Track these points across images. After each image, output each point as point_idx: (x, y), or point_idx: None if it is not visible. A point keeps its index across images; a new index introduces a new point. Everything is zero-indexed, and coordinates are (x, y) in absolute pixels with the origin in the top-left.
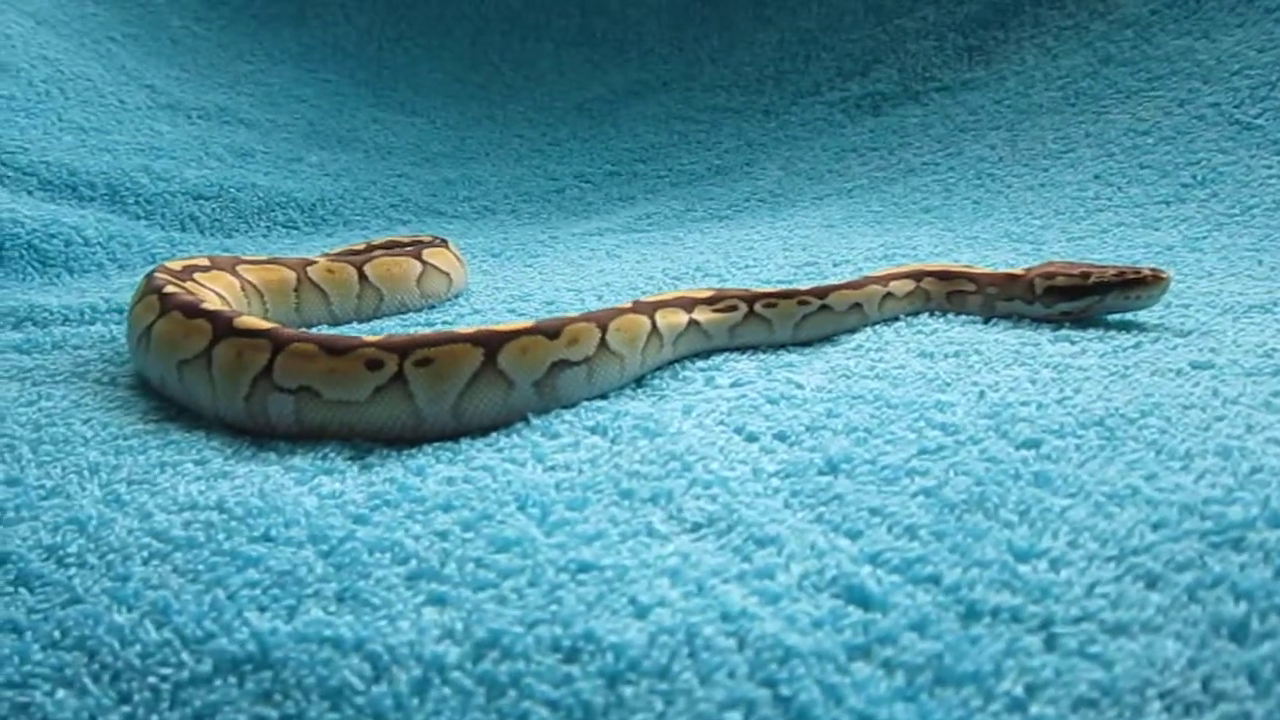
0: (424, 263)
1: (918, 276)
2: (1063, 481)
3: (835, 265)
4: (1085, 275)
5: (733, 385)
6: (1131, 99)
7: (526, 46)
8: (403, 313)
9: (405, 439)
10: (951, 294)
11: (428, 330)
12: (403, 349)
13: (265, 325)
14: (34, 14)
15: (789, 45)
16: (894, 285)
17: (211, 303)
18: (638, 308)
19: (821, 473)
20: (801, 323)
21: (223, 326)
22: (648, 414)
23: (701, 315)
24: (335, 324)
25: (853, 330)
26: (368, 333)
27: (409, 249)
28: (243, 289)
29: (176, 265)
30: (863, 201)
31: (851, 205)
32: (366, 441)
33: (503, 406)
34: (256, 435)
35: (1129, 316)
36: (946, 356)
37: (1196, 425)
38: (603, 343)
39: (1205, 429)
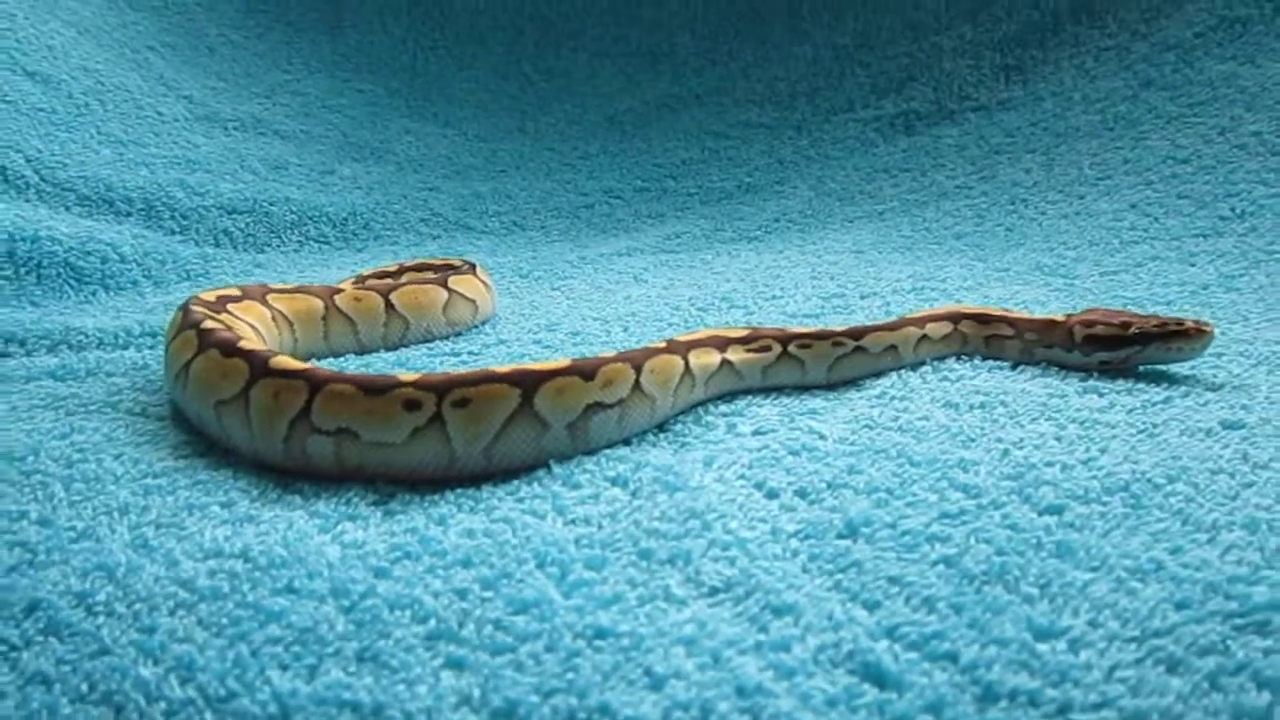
0: (450, 290)
1: (955, 319)
2: (1085, 553)
3: (863, 298)
4: (1126, 325)
5: (755, 434)
6: (1171, 125)
7: (560, 56)
8: (429, 340)
9: (436, 480)
10: (990, 338)
11: (455, 363)
12: (441, 389)
13: (301, 365)
14: (76, 24)
15: (824, 61)
16: (930, 328)
17: (249, 339)
18: (672, 348)
19: (841, 536)
20: (836, 364)
21: (259, 367)
22: (669, 465)
23: (735, 355)
24: (362, 352)
25: (887, 372)
26: (394, 363)
27: (437, 275)
28: (274, 319)
29: (210, 296)
30: (894, 225)
31: (882, 229)
32: (400, 481)
33: (534, 449)
34: (293, 475)
35: (1162, 366)
36: (971, 408)
37: (1224, 493)
38: (637, 384)
39: (1233, 498)
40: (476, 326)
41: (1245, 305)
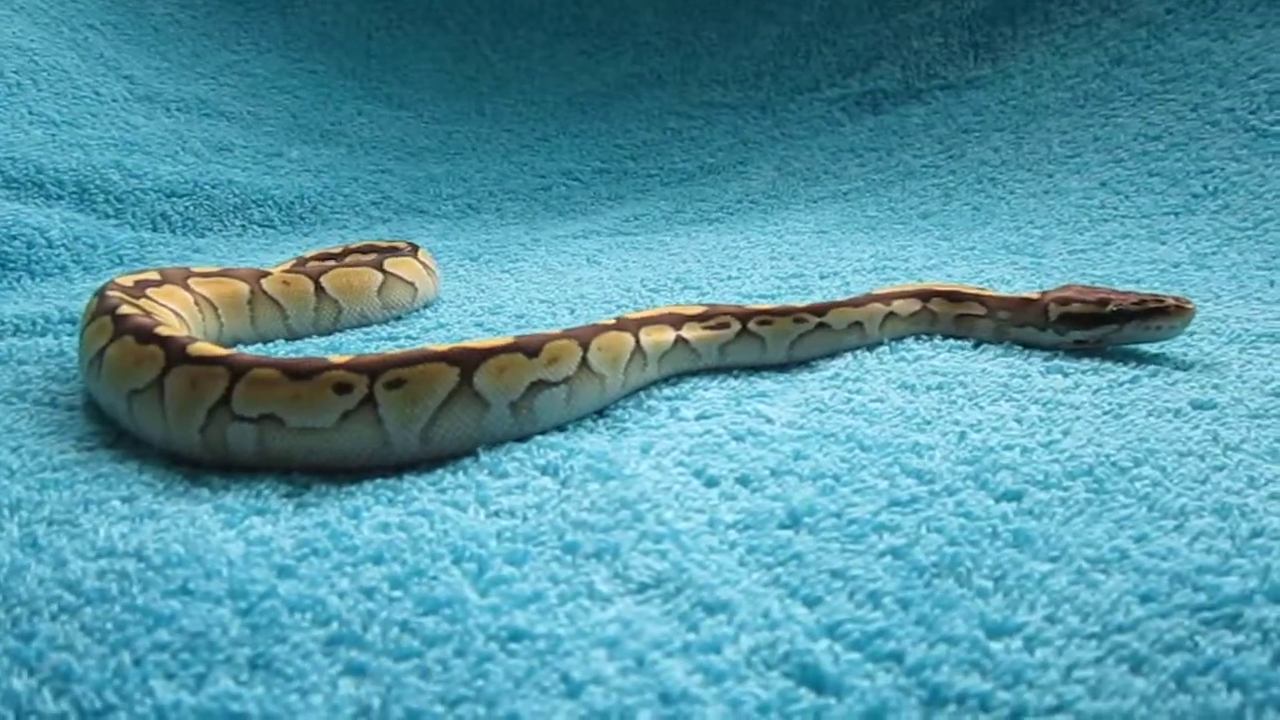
0: (385, 273)
1: (924, 296)
2: (1044, 542)
3: (822, 278)
4: (1103, 302)
5: (699, 418)
6: (1143, 101)
7: (519, 36)
8: (364, 325)
9: (372, 466)
10: (960, 317)
11: (392, 347)
12: (373, 370)
13: (223, 351)
14: (10, 1)
15: (789, 39)
16: (897, 305)
17: (168, 326)
18: (622, 325)
19: (783, 526)
20: (798, 341)
21: (176, 353)
22: (603, 452)
23: (690, 333)
24: (293, 338)
25: (852, 350)
26: (327, 348)
27: (373, 258)
28: (197, 304)
29: (128, 280)
30: (858, 206)
31: (846, 209)
32: (331, 470)
33: (475, 430)
34: (212, 467)
35: (1130, 345)
36: (929, 389)
37: (1194, 477)
38: (584, 362)
39: (1203, 481)
40: (416, 310)
41: (1217, 283)
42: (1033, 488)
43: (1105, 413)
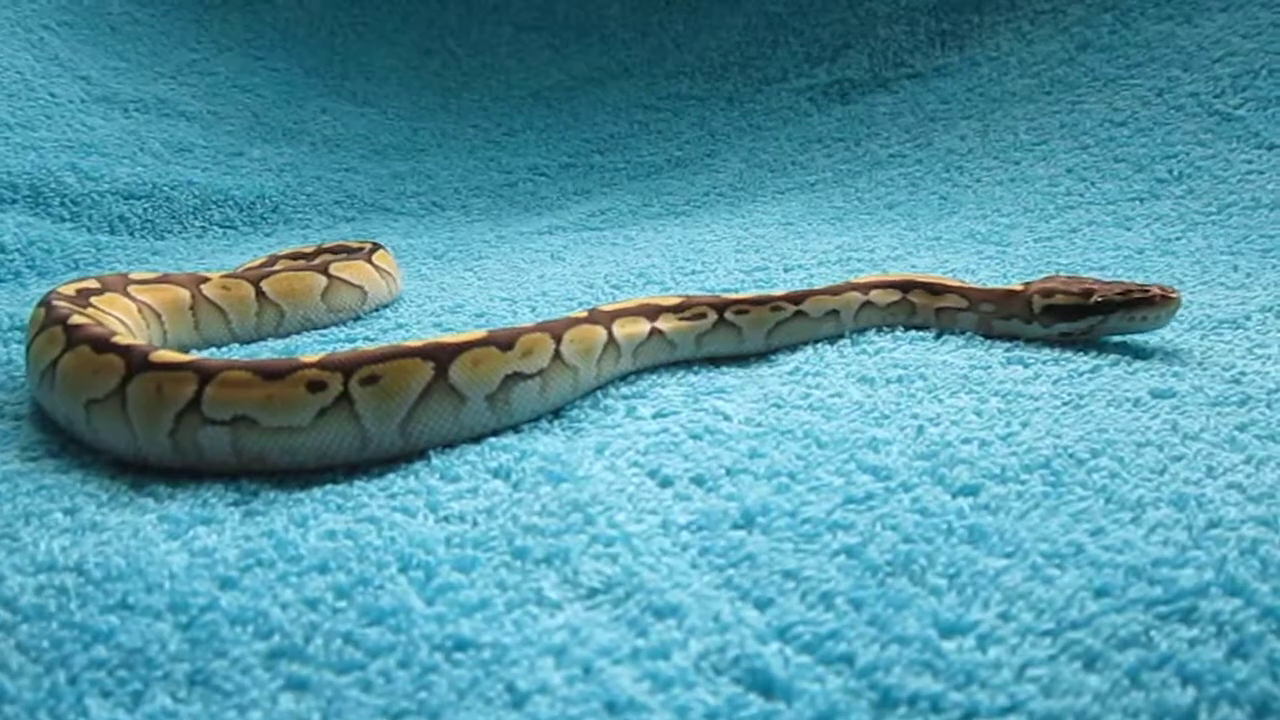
0: (330, 276)
1: (905, 287)
2: (999, 538)
3: (786, 271)
4: (1087, 294)
5: (655, 416)
6: (1108, 87)
7: (484, 31)
8: (310, 329)
9: (350, 463)
10: (942, 310)
11: (350, 349)
12: (346, 367)
13: (186, 358)
14: None
15: (756, 29)
16: (875, 294)
17: (123, 335)
18: (594, 317)
19: (736, 526)
20: (775, 330)
21: (138, 361)
22: (557, 453)
23: (666, 324)
24: (241, 343)
25: (829, 339)
26: (283, 350)
27: (320, 261)
28: (140, 311)
29: (70, 290)
30: (825, 196)
31: (813, 200)
32: (309, 470)
33: (454, 424)
34: (183, 473)
35: (1117, 336)
36: (888, 382)
37: (1151, 468)
38: (557, 354)
39: (1161, 472)
40: (366, 313)
41: (1181, 269)
42: (990, 482)
43: (1065, 403)
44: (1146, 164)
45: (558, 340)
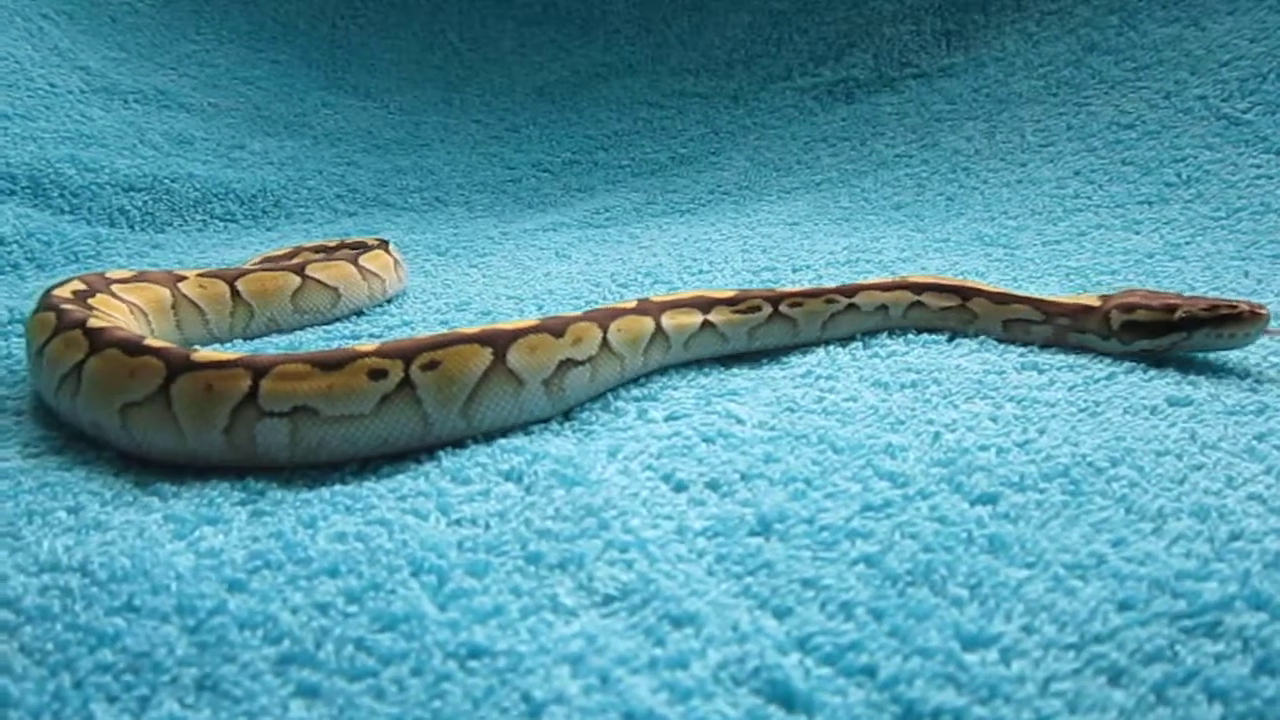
0: (305, 277)
1: (965, 294)
2: (1020, 548)
3: (794, 271)
4: (1170, 309)
5: (668, 419)
6: (1115, 89)
7: (487, 25)
8: (276, 331)
9: (414, 449)
10: (1010, 322)
11: (354, 344)
12: (406, 354)
13: (231, 355)
14: None
15: (761, 27)
16: (928, 296)
17: (151, 339)
18: (642, 308)
19: (753, 533)
20: (829, 322)
21: (179, 361)
22: (569, 456)
23: (718, 316)
24: (219, 341)
25: (874, 333)
26: (287, 346)
27: (336, 254)
28: (130, 311)
29: (66, 292)
30: (831, 196)
31: (819, 200)
32: (370, 458)
33: (514, 407)
34: (230, 470)
35: (1200, 353)
36: (903, 387)
37: (1171, 477)
38: (604, 342)
39: (1180, 482)
40: (345, 315)
41: (1191, 274)
42: (1008, 490)
43: (1081, 410)
44: (1154, 167)
45: (604, 329)
